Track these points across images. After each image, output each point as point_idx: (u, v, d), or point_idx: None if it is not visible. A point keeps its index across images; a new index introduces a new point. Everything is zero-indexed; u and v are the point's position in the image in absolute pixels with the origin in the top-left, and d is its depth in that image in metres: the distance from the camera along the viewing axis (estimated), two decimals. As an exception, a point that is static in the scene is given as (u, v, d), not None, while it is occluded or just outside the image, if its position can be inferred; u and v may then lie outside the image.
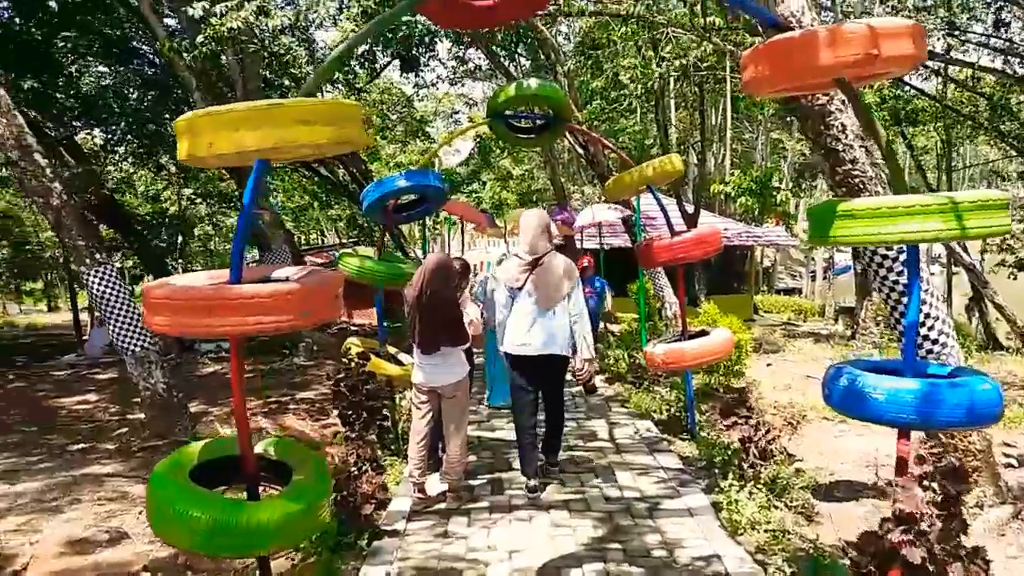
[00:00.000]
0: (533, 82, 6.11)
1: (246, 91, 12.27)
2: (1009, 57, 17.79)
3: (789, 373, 10.02)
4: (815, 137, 4.42)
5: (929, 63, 20.69)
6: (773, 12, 4.11)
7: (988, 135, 22.54)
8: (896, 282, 4.36)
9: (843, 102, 4.29)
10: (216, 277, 3.00)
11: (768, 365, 10.67)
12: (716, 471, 5.49)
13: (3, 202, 27.20)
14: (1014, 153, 21.01)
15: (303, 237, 38.67)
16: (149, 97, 16.79)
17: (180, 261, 30.97)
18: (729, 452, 5.49)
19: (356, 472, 4.33)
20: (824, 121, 4.32)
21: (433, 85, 18.99)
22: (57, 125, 16.78)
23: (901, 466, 3.02)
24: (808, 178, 39.34)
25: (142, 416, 7.91)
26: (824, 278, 33.85)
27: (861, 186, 4.34)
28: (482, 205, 31.16)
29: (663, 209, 6.59)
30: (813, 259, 36.56)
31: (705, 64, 14.80)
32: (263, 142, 2.52)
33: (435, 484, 5.26)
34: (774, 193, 26.16)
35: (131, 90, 16.80)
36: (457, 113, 26.87)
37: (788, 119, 34.38)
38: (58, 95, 15.48)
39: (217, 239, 35.90)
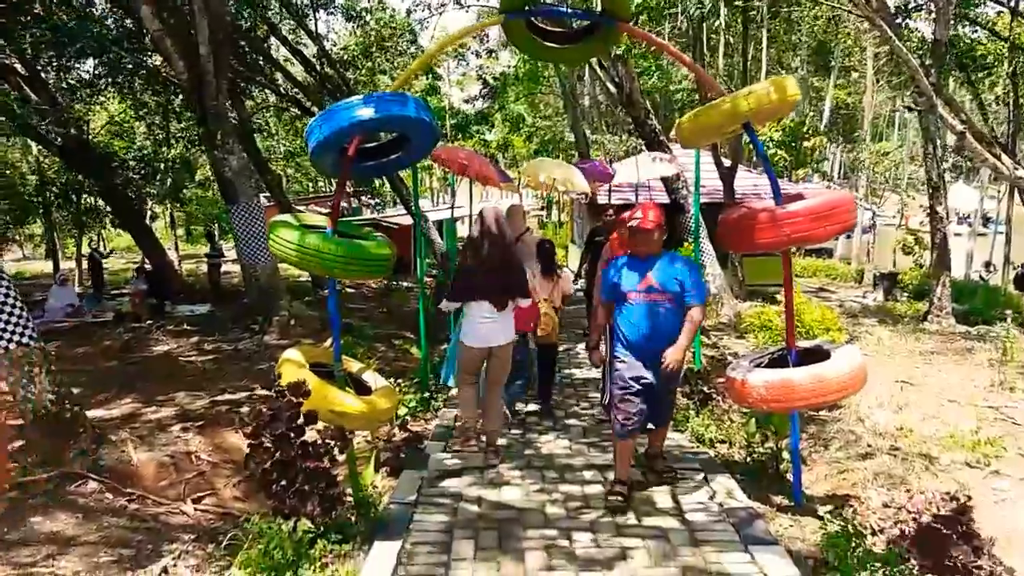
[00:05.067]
0: (574, -45, 3.84)
1: (207, 3, 9.96)
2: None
3: (877, 376, 7.82)
4: None
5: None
6: None
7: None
8: None
9: None
10: None
11: (847, 362, 8.49)
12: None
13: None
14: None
15: (310, 185, 36.22)
16: (119, 27, 14.59)
17: (175, 206, 28.83)
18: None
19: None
20: None
21: (440, 10, 16.53)
22: (22, 61, 14.62)
23: None
24: (842, 126, 36.68)
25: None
26: (869, 230, 31.11)
27: None
28: (489, 150, 28.56)
29: (767, 163, 4.36)
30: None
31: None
32: None
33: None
34: (807, 139, 23.83)
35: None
36: (465, 49, 24.29)
37: (827, 62, 31.77)
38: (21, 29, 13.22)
39: (214, 188, 33.63)
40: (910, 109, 12.90)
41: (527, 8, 4.07)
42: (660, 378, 4.44)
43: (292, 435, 3.60)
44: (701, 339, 7.87)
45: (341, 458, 4.13)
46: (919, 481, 4.78)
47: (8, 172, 26.44)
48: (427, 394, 7.17)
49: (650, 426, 4.82)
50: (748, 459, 5.31)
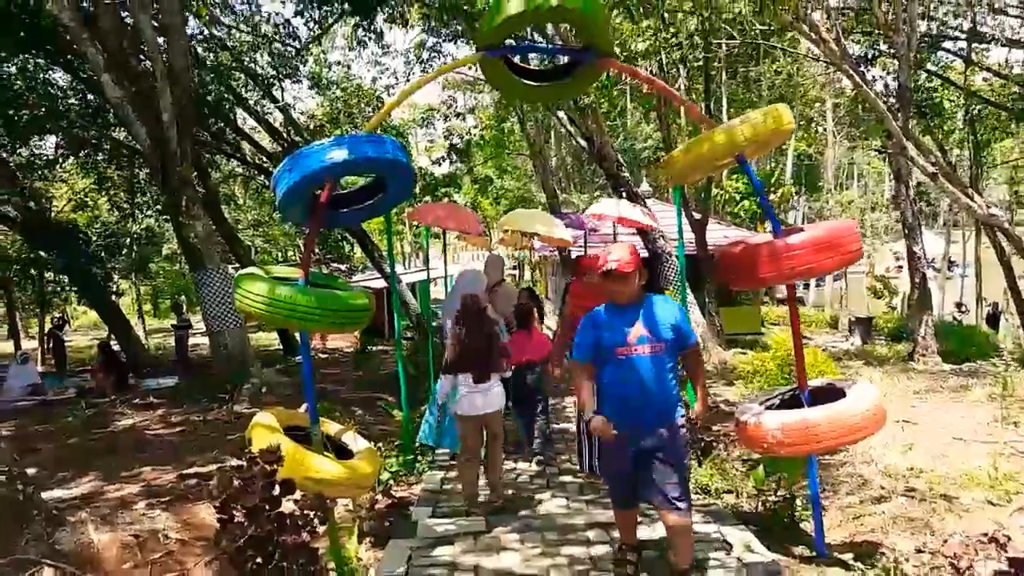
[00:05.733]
0: (555, -14, 3.67)
1: (170, 70, 9.78)
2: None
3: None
4: None
5: (949, 46, 18.74)
6: None
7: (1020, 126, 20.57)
8: None
9: None
10: None
11: (841, 405, 8.24)
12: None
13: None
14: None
15: (279, 255, 35.83)
16: (82, 102, 14.48)
17: (141, 281, 28.22)
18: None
19: None
20: None
21: (407, 78, 16.58)
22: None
23: None
24: (804, 176, 37.30)
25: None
26: (840, 277, 31.29)
27: None
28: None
29: (763, 196, 4.18)
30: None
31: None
32: None
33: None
34: (774, 191, 24.24)
35: (56, 91, 14.44)
36: (433, 115, 24.34)
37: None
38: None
39: (181, 261, 33.18)
40: (879, 152, 13.03)
41: (506, 44, 3.87)
42: (663, 445, 3.73)
43: (267, 507, 3.23)
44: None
45: (321, 529, 3.75)
46: (943, 523, 4.50)
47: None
48: (410, 457, 6.77)
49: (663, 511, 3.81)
50: (759, 508, 4.98)
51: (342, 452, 4.14)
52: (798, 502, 4.75)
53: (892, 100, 12.79)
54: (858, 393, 3.89)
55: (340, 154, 3.58)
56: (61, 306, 25.50)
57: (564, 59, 4.33)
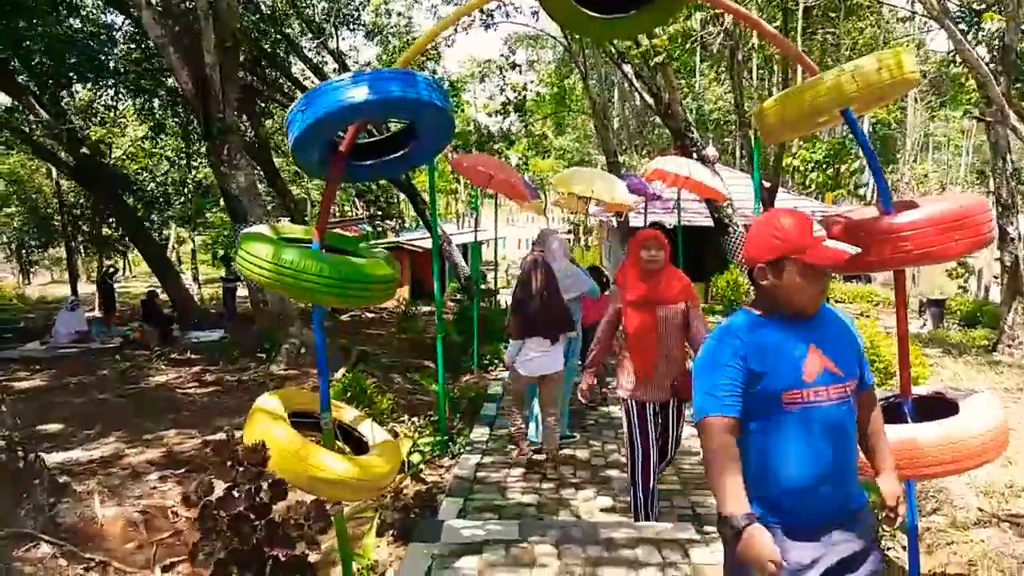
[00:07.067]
0: None
1: (214, 8, 9.27)
2: None
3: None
4: None
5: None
6: None
7: None
8: None
9: None
10: None
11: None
12: None
13: (7, 165, 25.03)
14: None
15: (336, 210, 35.46)
16: (139, 47, 14.22)
17: (190, 228, 28.26)
18: None
19: None
20: None
21: (466, 29, 15.85)
22: (33, 80, 14.24)
23: None
24: (879, 148, 35.45)
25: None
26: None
27: None
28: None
29: (873, 162, 3.42)
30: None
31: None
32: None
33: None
34: (845, 162, 22.88)
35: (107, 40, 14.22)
36: (490, 67, 23.45)
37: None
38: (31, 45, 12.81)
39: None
40: (978, 120, 11.87)
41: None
42: (859, 552, 2.19)
43: (253, 516, 2.69)
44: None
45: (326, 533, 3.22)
46: (1061, 564, 3.78)
47: (34, 196, 26.31)
48: (445, 437, 6.20)
49: None
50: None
51: (358, 444, 3.59)
52: (885, 527, 4.06)
53: (992, 63, 11.63)
54: (976, 408, 3.14)
55: (361, 93, 2.92)
56: (111, 252, 25.77)
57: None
